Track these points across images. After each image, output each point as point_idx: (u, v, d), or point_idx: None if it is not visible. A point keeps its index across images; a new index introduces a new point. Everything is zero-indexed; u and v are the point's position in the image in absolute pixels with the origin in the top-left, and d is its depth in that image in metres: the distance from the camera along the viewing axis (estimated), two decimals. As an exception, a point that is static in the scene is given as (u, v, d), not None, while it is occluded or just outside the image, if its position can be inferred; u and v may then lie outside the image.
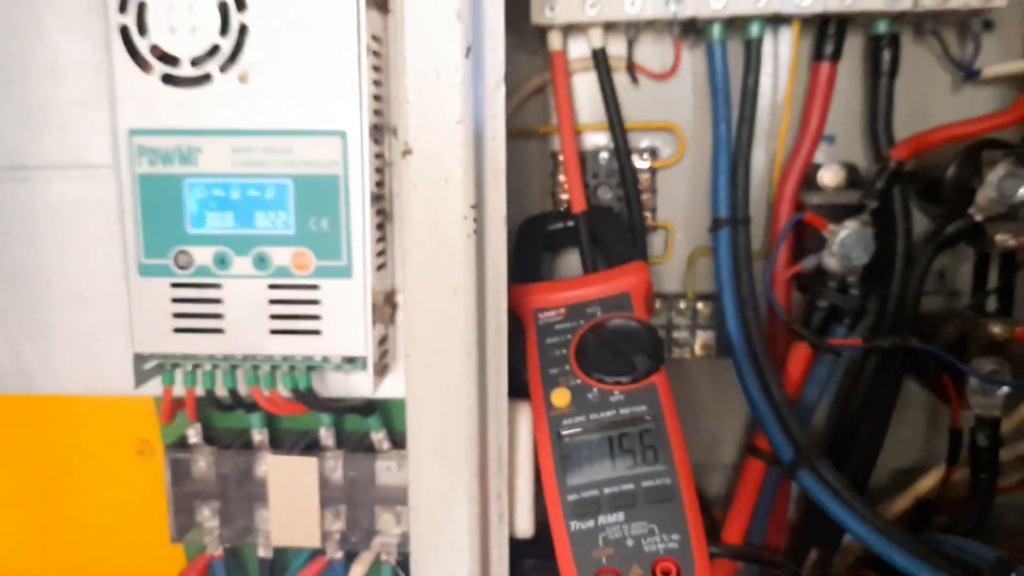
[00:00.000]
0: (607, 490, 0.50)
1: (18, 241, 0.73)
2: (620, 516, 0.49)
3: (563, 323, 0.59)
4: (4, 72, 0.71)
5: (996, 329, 0.61)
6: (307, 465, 0.74)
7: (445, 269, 0.49)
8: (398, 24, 0.47)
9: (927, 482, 0.69)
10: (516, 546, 0.57)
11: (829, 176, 0.68)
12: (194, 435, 0.77)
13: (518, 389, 0.56)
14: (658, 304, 0.72)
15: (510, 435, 0.54)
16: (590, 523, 0.49)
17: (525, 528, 0.56)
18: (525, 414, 0.56)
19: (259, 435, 0.76)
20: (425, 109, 0.47)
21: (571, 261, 0.72)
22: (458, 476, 0.51)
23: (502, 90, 0.50)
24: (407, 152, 0.48)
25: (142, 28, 0.62)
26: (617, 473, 0.51)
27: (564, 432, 0.53)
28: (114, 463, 0.81)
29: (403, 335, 0.70)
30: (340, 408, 0.73)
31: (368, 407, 0.74)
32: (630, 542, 0.48)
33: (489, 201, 0.50)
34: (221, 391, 0.70)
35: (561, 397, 0.54)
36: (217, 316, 0.65)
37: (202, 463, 0.77)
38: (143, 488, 0.81)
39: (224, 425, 0.79)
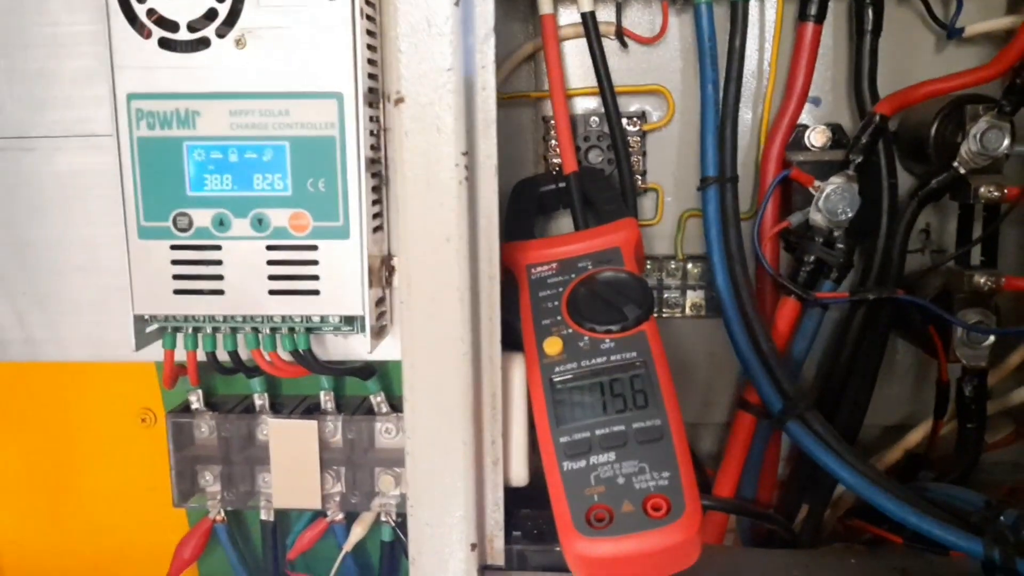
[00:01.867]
0: (598, 431, 0.51)
1: (23, 211, 0.75)
2: (611, 456, 0.50)
3: (555, 277, 0.60)
4: (6, 45, 0.73)
5: (981, 280, 0.63)
6: (307, 428, 0.76)
7: (438, 216, 0.50)
8: (389, -23, 0.48)
9: (915, 435, 0.70)
10: (511, 496, 0.58)
11: (816, 136, 0.70)
12: (196, 400, 0.78)
13: (513, 343, 0.58)
14: (649, 265, 0.74)
15: (504, 385, 0.55)
16: (582, 463, 0.50)
17: (520, 476, 0.57)
18: (519, 365, 0.57)
19: (260, 399, 0.78)
20: (416, 58, 0.49)
21: (563, 223, 0.74)
22: (453, 421, 0.52)
23: (491, 40, 0.51)
24: (399, 100, 0.49)
25: (140, -7, 0.63)
26: (608, 416, 0.52)
27: (556, 378, 0.54)
28: (118, 431, 0.83)
29: (399, 293, 0.72)
30: (339, 370, 0.75)
31: (367, 370, 0.76)
32: (621, 480, 0.49)
33: (480, 150, 0.51)
34: (222, 355, 0.72)
35: (553, 345, 0.56)
36: (217, 277, 0.67)
37: (204, 428, 0.78)
38: (146, 455, 0.83)
39: (225, 391, 0.81)
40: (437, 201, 0.50)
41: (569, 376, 0.54)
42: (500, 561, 0.56)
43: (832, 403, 0.69)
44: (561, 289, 0.59)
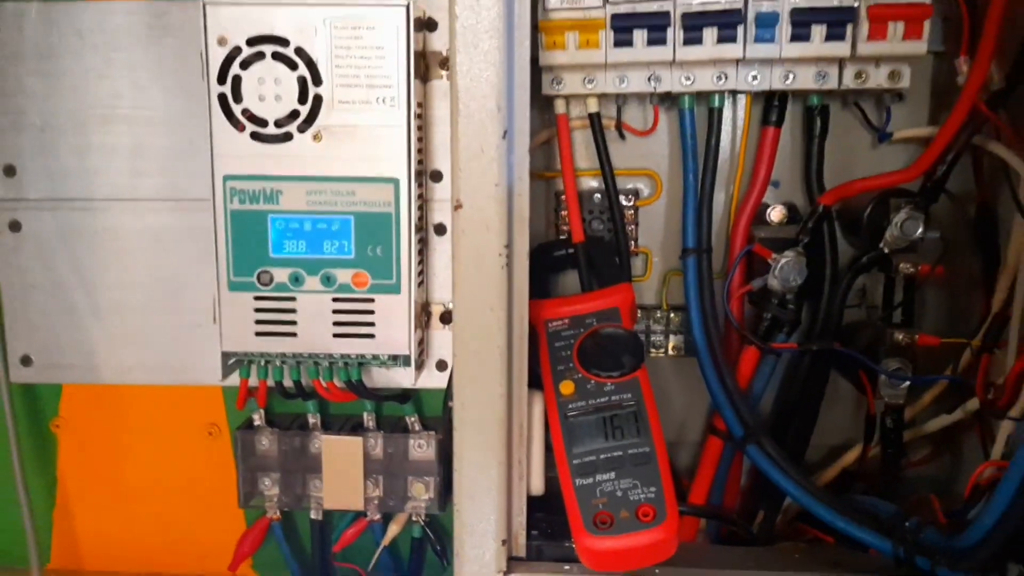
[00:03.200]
0: (602, 456, 0.68)
1: (123, 258, 0.90)
2: (612, 475, 0.67)
3: (568, 330, 0.77)
4: (109, 119, 0.88)
5: (900, 336, 0.80)
6: (354, 444, 0.91)
7: (484, 292, 0.66)
8: (453, 112, 0.64)
9: (850, 456, 0.87)
10: (530, 503, 0.75)
11: (775, 213, 0.86)
12: (258, 419, 0.93)
13: (533, 382, 0.74)
14: (639, 314, 0.90)
15: (528, 416, 0.71)
16: (590, 480, 0.67)
17: (538, 487, 0.73)
18: (539, 401, 0.74)
19: (313, 418, 0.93)
20: (472, 175, 0.65)
21: (571, 280, 0.90)
22: (491, 446, 0.68)
23: (527, 160, 0.67)
24: (458, 207, 0.65)
25: (236, 96, 0.78)
26: (609, 443, 0.68)
27: (570, 414, 0.71)
28: (188, 442, 0.97)
29: (439, 340, 0.88)
30: (383, 396, 0.91)
31: (404, 396, 0.92)
32: (619, 493, 0.66)
33: (517, 242, 0.67)
34: (287, 382, 0.88)
35: (567, 387, 0.72)
36: (292, 323, 0.82)
37: (265, 441, 0.93)
38: (212, 463, 0.98)
39: (281, 410, 0.96)
40: (484, 281, 0.66)
41: (579, 412, 0.71)
42: (523, 553, 0.73)
43: (784, 430, 0.86)
44: (572, 341, 0.75)
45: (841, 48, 0.76)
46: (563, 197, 0.88)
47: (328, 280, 0.82)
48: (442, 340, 0.89)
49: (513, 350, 0.69)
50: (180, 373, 0.93)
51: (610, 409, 0.70)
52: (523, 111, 0.67)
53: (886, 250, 0.79)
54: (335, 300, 0.82)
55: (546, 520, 0.76)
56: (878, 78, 0.79)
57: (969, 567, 0.65)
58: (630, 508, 0.65)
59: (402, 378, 0.90)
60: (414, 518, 0.94)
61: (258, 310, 0.82)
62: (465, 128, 0.64)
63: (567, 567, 0.71)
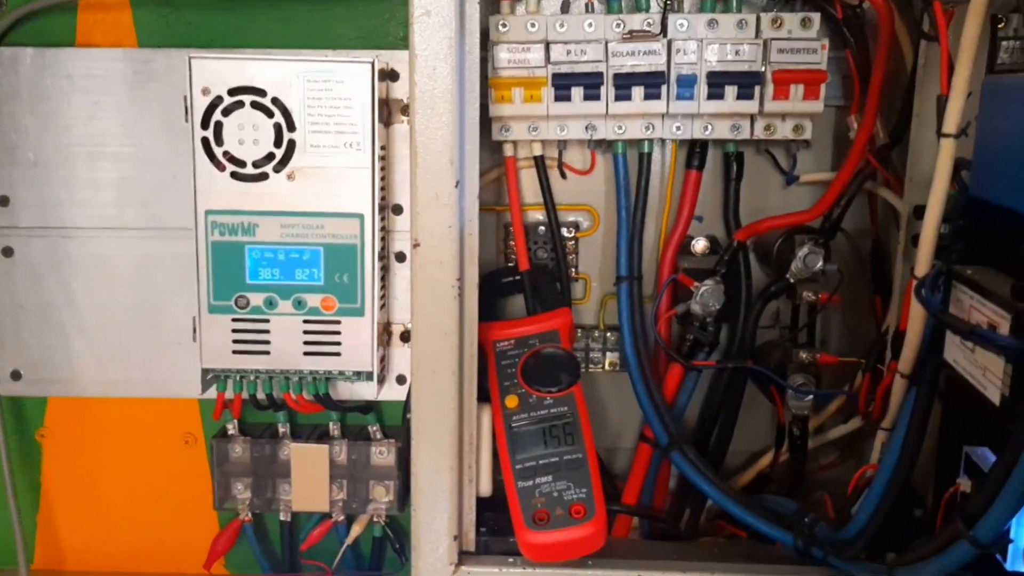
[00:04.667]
0: (541, 461, 0.78)
1: (108, 282, 0.98)
2: (549, 478, 0.77)
3: (514, 350, 0.87)
4: (96, 156, 0.96)
5: (804, 355, 0.91)
6: (320, 451, 1.00)
7: (439, 319, 0.76)
8: (412, 163, 0.74)
9: (763, 461, 0.98)
10: (479, 503, 0.84)
11: (699, 246, 0.97)
12: (232, 428, 1.01)
13: (482, 396, 0.84)
14: (579, 333, 1.01)
15: (477, 426, 0.81)
16: (530, 482, 0.77)
17: (486, 489, 0.83)
18: (487, 413, 0.84)
19: (283, 428, 1.01)
20: (428, 218, 0.74)
21: (518, 303, 1.00)
22: (444, 453, 0.78)
23: (476, 204, 0.78)
24: (416, 245, 0.75)
25: (218, 140, 0.87)
26: (548, 450, 0.79)
27: (514, 424, 0.81)
28: (166, 449, 1.04)
29: (399, 357, 0.98)
30: (347, 407, 0.99)
31: (367, 408, 1.00)
32: (555, 494, 0.76)
33: (467, 274, 0.77)
34: (260, 395, 0.96)
35: (512, 401, 0.82)
36: (266, 342, 0.91)
37: (238, 449, 1.01)
38: (187, 470, 1.05)
39: (253, 420, 1.04)
40: (438, 309, 0.75)
41: (523, 423, 0.81)
42: (473, 548, 0.83)
43: (707, 437, 0.97)
44: (517, 360, 0.86)
45: (750, 106, 0.87)
46: (511, 228, 0.98)
47: (299, 304, 0.91)
48: (402, 357, 0.98)
49: (464, 369, 0.78)
50: (160, 387, 1.01)
51: (549, 420, 0.80)
52: (473, 163, 0.77)
53: (791, 280, 0.91)
54: (305, 322, 0.91)
55: (493, 518, 0.86)
56: (784, 130, 0.90)
57: (851, 555, 0.76)
58: (564, 507, 0.75)
59: (365, 391, 0.99)
60: (375, 519, 1.02)
61: (235, 330, 0.91)
62: (423, 178, 0.74)
63: (511, 560, 0.81)
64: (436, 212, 0.74)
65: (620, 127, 0.91)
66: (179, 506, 1.06)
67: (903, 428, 0.73)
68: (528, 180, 0.98)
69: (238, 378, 0.95)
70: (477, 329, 0.79)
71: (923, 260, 0.72)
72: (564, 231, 0.99)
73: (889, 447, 0.75)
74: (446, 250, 0.75)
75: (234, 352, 0.92)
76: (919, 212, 0.79)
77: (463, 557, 0.81)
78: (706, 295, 0.91)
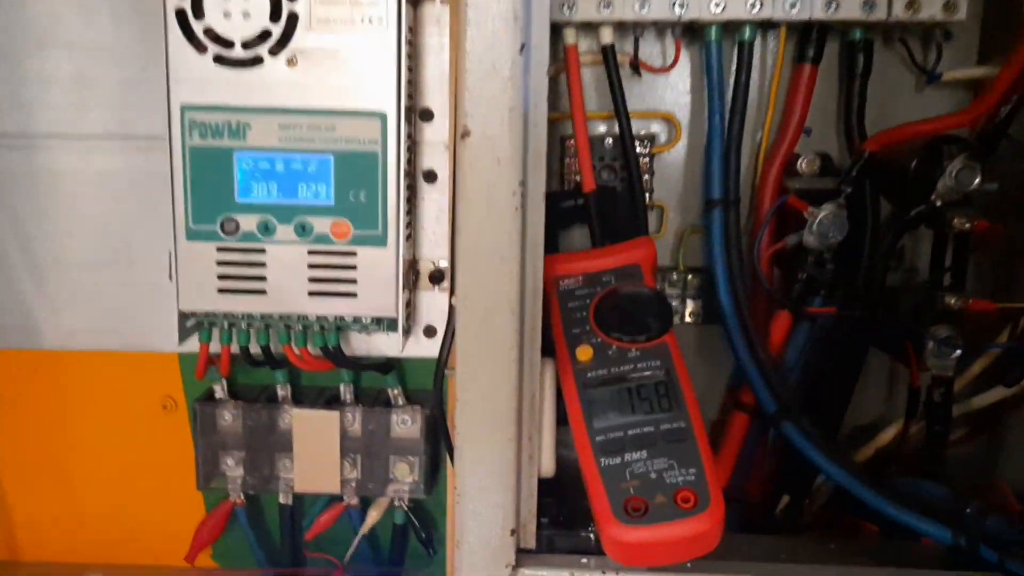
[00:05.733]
0: (630, 432, 0.58)
1: (61, 206, 0.78)
2: (643, 454, 0.57)
3: (582, 289, 0.67)
4: (46, 46, 0.76)
5: (951, 301, 0.71)
6: (330, 419, 0.81)
7: (494, 239, 0.56)
8: (461, 22, 0.54)
9: (887, 435, 0.78)
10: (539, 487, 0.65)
11: (806, 164, 0.77)
12: (220, 390, 0.82)
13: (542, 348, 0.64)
14: (653, 276, 0.81)
15: (541, 385, 0.62)
16: (617, 459, 0.57)
17: (548, 468, 0.63)
18: (550, 369, 0.64)
19: (283, 390, 0.82)
20: (483, 98, 0.54)
21: (576, 236, 0.80)
22: (501, 420, 0.58)
23: (546, 81, 0.57)
24: (465, 135, 0.54)
25: (197, 12, 0.67)
26: (637, 417, 0.59)
27: (589, 382, 0.61)
28: (139, 416, 0.87)
29: (427, 303, 0.78)
30: (363, 365, 0.80)
31: (387, 366, 0.81)
32: (654, 475, 0.56)
33: (532, 180, 0.57)
34: (254, 348, 0.77)
35: (584, 352, 0.62)
36: (260, 279, 0.72)
37: (228, 416, 0.83)
38: (166, 440, 0.87)
39: (245, 381, 0.85)
40: (496, 225, 0.55)
41: (600, 381, 0.61)
42: (532, 544, 0.63)
43: (814, 405, 0.77)
44: (588, 301, 0.65)
45: (895, -29, 0.66)
46: (570, 142, 0.78)
47: (303, 229, 0.71)
48: (431, 303, 0.79)
49: (526, 307, 0.58)
50: (131, 338, 0.82)
51: (636, 378, 0.61)
52: (542, 21, 0.56)
53: (938, 203, 0.70)
54: (311, 253, 0.71)
55: (556, 506, 0.67)
56: (931, 8, 0.70)
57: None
58: (667, 492, 0.55)
59: (385, 345, 0.80)
60: (396, 503, 0.85)
61: (221, 263, 0.72)
62: (475, 40, 0.53)
63: (584, 560, 0.62)
64: (493, 90, 0.54)
65: (719, 4, 0.70)
66: (157, 485, 0.89)
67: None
68: (591, 82, 0.78)
69: (226, 326, 0.76)
70: (542, 256, 0.59)
71: None
72: (637, 146, 0.78)
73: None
74: (506, 142, 0.54)
75: (220, 291, 0.72)
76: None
77: (522, 557, 0.62)
78: (825, 223, 0.71)
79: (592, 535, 0.64)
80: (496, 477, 0.59)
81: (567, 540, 0.64)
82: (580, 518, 0.65)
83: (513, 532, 0.60)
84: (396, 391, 0.82)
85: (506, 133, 0.55)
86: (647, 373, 0.61)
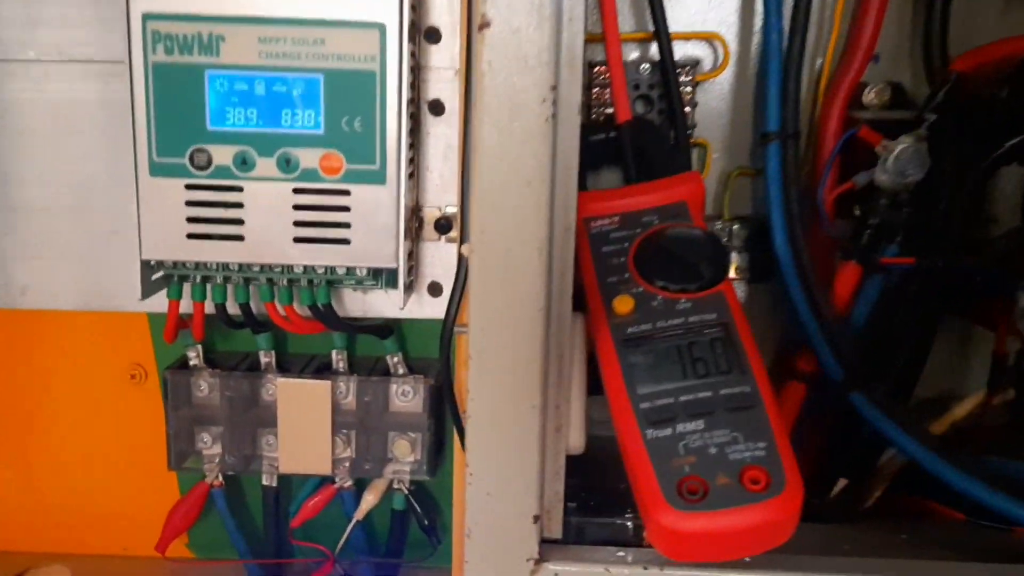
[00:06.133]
0: (682, 398, 0.47)
1: (5, 142, 0.67)
2: (700, 424, 0.46)
3: (618, 231, 0.56)
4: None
5: (1049, 250, 0.60)
6: (320, 389, 0.71)
7: (520, 157, 0.45)
8: None
9: (965, 407, 0.68)
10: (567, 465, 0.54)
11: (875, 94, 0.66)
12: (195, 356, 0.72)
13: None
14: (693, 223, 0.70)
15: (570, 343, 0.51)
16: (667, 431, 0.46)
17: (578, 443, 0.53)
18: (580, 324, 0.53)
19: (266, 357, 0.72)
20: (506, -18, 0.43)
21: (606, 178, 0.69)
22: (524, 384, 0.47)
23: (583, -32, 0.46)
24: (484, 26, 0.44)
25: (160, -100, 0.56)
26: (691, 381, 0.48)
27: (630, 339, 0.50)
28: (104, 387, 0.77)
29: (432, 256, 0.67)
30: (359, 328, 0.70)
31: (385, 329, 0.71)
32: (713, 450, 0.45)
33: (565, 85, 0.46)
34: (232, 307, 0.66)
35: (624, 304, 0.51)
36: (237, 222, 0.61)
37: (204, 386, 0.73)
38: (135, 414, 0.77)
39: (224, 347, 0.75)
40: (520, 139, 0.45)
41: (643, 337, 0.50)
42: (558, 534, 0.52)
43: (881, 374, 0.66)
44: (627, 244, 0.55)
45: None
46: (599, 69, 0.67)
47: (287, 163, 0.60)
48: (436, 256, 0.69)
49: (555, 248, 0.48)
50: (94, 296, 0.71)
51: (688, 334, 0.50)
52: None
53: (1038, 135, 0.59)
54: (296, 192, 0.61)
55: (585, 489, 0.56)
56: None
57: None
58: (732, 471, 0.44)
59: (384, 305, 0.69)
60: (396, 485, 0.75)
61: (191, 203, 0.61)
62: (499, -95, 0.43)
63: (621, 553, 0.51)
64: (518, -32, 0.43)
65: (778, -100, 0.59)
66: (126, 466, 0.80)
67: None
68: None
69: (198, 279, 0.65)
70: (576, 182, 0.48)
71: None
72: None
73: None
74: (535, 37, 0.44)
75: (190, 236, 0.62)
76: None
77: (546, 549, 0.51)
78: (904, 158, 0.60)
79: (630, 523, 0.53)
80: (516, 452, 0.48)
81: (600, 529, 0.54)
82: (613, 504, 0.54)
83: (536, 519, 0.50)
84: (396, 358, 0.72)
85: (535, 25, 0.44)
86: (701, 328, 0.50)
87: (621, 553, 0.51)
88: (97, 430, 0.78)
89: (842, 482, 0.70)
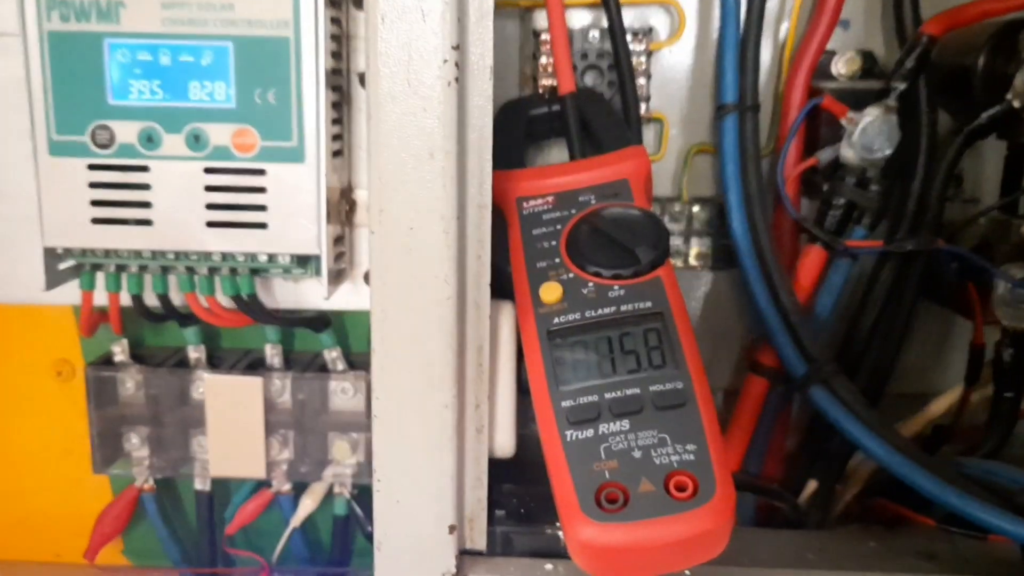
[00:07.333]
0: (608, 395, 0.42)
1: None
2: (624, 424, 0.41)
3: (552, 212, 0.51)
4: None
5: (1030, 231, 0.55)
6: (251, 386, 0.66)
7: (420, 125, 0.40)
8: None
9: (941, 404, 0.62)
10: (494, 469, 0.49)
11: (844, 64, 0.61)
12: (120, 352, 0.68)
13: (500, 289, 0.48)
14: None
15: (493, 335, 0.46)
16: (589, 432, 0.41)
17: (506, 446, 0.48)
18: (508, 315, 0.48)
19: (195, 352, 0.67)
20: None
21: (554, 155, 0.64)
22: (433, 380, 0.43)
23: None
24: (375, -25, 0.39)
25: None
26: (619, 376, 0.43)
27: (555, 330, 0.45)
28: (28, 385, 0.72)
29: (370, 222, 0.62)
30: (289, 320, 0.65)
31: (321, 321, 0.66)
32: (637, 453, 0.40)
33: (473, 46, 0.41)
34: (150, 298, 0.62)
35: (551, 292, 0.46)
36: (144, 204, 0.56)
37: (130, 384, 0.68)
38: (62, 413, 0.72)
39: (155, 342, 0.71)
40: (419, 106, 0.40)
41: (571, 327, 0.45)
42: (481, 545, 0.47)
43: (851, 368, 0.61)
44: (559, 227, 0.50)
45: None
46: (545, 36, 0.62)
47: (196, 140, 0.55)
48: (373, 242, 0.63)
49: (468, 227, 0.43)
50: (13, 288, 0.66)
51: (619, 325, 0.45)
52: None
53: (1016, 104, 0.54)
54: (208, 171, 0.56)
55: (518, 495, 0.51)
56: None
57: None
58: (655, 477, 0.39)
59: (318, 296, 0.64)
60: (337, 489, 0.70)
61: (94, 185, 0.56)
62: None
63: (548, 566, 0.46)
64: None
65: None
66: (54, 468, 0.74)
67: None
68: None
69: (112, 268, 0.60)
70: (490, 154, 0.43)
71: None
72: (629, 40, 0.62)
73: None
74: (431, -15, 0.39)
75: (95, 221, 0.57)
76: None
77: (466, 561, 0.46)
78: (871, 131, 0.55)
79: (561, 533, 0.48)
80: (427, 456, 0.43)
81: (529, 539, 0.49)
82: (548, 511, 0.49)
83: (453, 529, 0.45)
84: (335, 353, 0.67)
85: (431, -29, 0.39)
86: (634, 318, 0.45)
87: (549, 566, 0.47)
88: (22, 430, 0.73)
89: (812, 484, 0.65)
